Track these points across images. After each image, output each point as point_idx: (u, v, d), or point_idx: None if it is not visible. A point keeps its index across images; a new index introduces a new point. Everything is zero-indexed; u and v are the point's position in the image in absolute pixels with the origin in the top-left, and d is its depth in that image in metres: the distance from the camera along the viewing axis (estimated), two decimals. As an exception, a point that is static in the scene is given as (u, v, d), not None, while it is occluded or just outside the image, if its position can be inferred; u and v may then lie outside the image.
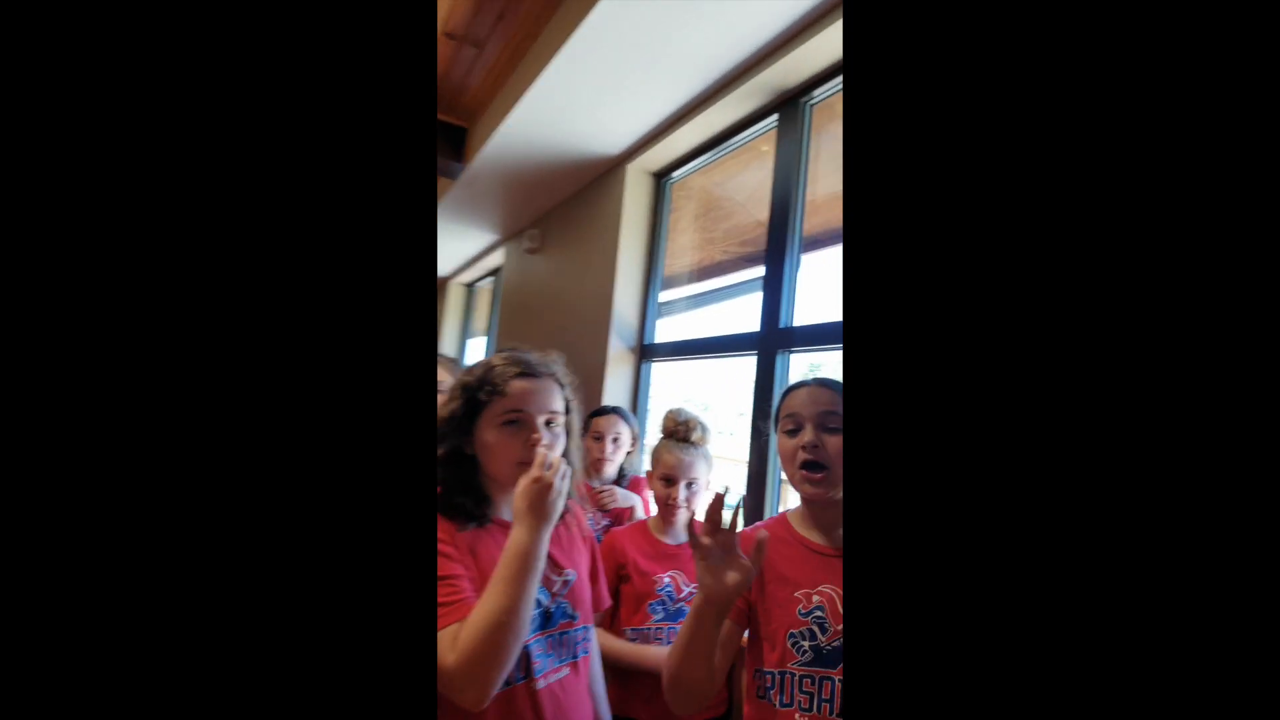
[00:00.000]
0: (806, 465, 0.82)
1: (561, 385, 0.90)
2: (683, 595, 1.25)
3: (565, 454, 0.90)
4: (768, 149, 2.14)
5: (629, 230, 2.30)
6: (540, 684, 0.80)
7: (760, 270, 2.17)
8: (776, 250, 1.74)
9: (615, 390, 2.22)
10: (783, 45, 1.60)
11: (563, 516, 0.90)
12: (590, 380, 2.25)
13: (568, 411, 0.91)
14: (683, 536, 1.30)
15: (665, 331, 2.30)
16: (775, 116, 1.84)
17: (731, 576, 0.73)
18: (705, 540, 0.75)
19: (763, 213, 2.11)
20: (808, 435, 0.82)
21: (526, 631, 0.71)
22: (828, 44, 1.53)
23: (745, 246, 2.21)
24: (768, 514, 1.61)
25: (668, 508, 1.28)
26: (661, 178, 2.35)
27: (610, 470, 1.61)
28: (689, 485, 1.28)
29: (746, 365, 1.98)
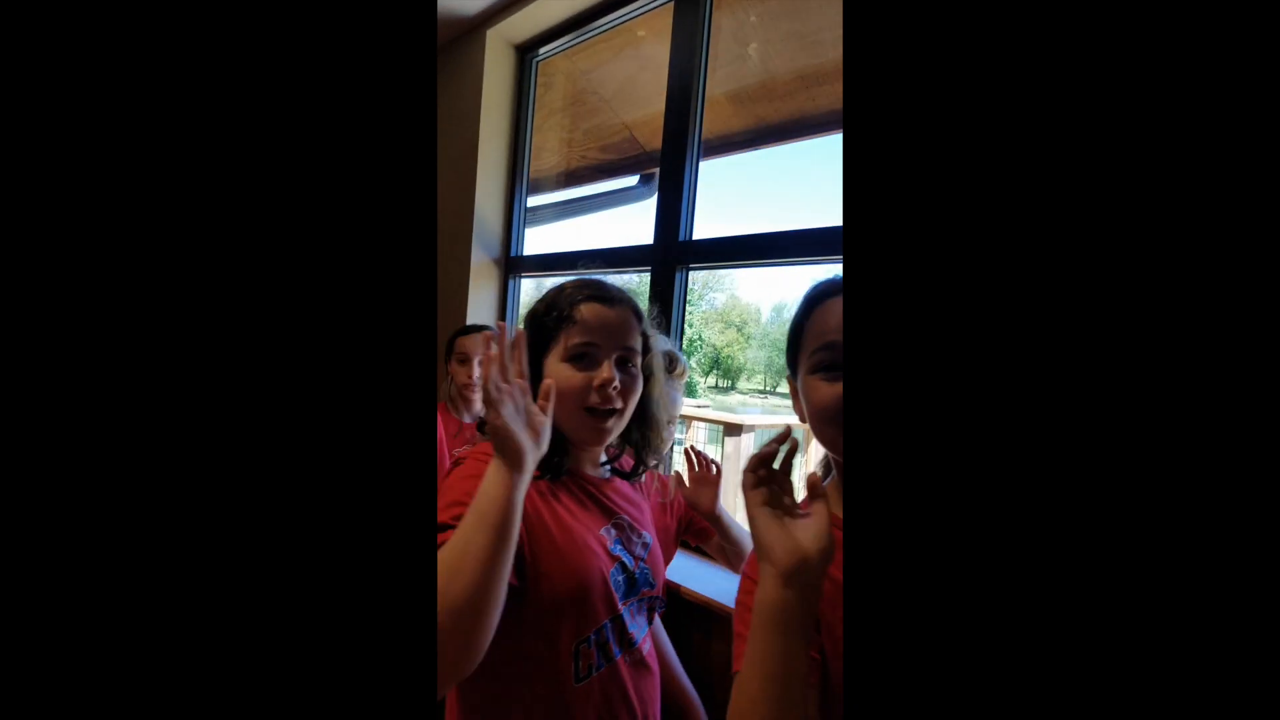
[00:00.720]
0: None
1: (639, 318, 0.74)
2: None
3: (645, 402, 0.76)
4: (645, 34, 1.88)
5: (490, 116, 1.91)
6: (637, 655, 0.70)
7: (624, 181, 1.95)
8: (675, 152, 1.54)
9: (479, 309, 1.92)
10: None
11: (637, 472, 0.81)
12: (449, 297, 1.92)
13: (646, 351, 0.74)
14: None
15: (532, 243, 2.02)
16: (673, -10, 1.57)
17: (811, 531, 0.45)
18: (760, 478, 0.48)
19: (630, 113, 1.86)
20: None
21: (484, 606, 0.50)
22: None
23: (606, 154, 1.96)
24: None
25: None
26: (526, 53, 1.96)
27: (480, 402, 1.37)
28: None
29: (627, 281, 1.82)
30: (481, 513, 0.51)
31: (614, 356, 0.69)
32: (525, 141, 1.97)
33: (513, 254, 1.97)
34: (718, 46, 1.53)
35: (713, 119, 1.58)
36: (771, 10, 1.48)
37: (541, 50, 1.93)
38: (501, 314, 1.97)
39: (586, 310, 0.69)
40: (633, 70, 1.98)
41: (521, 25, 1.84)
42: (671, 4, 1.59)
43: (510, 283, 1.97)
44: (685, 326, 1.56)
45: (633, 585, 0.72)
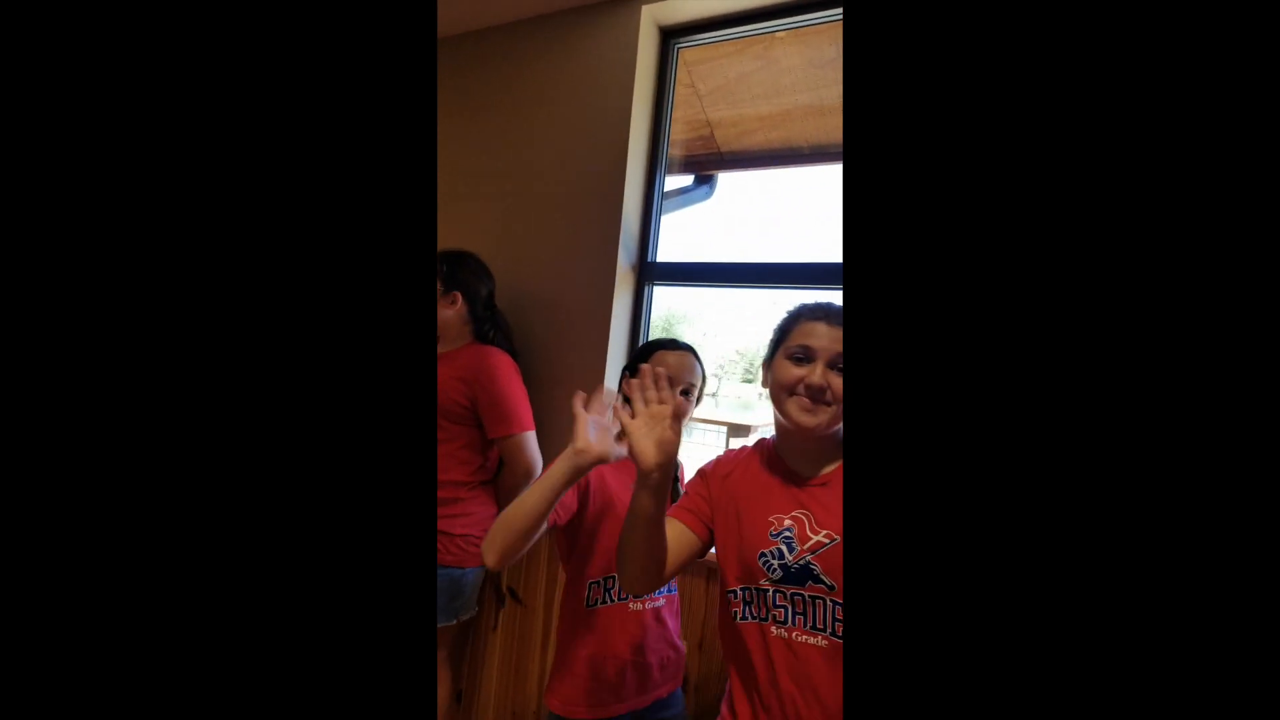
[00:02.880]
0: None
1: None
2: (807, 545, 0.86)
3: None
4: (783, 35, 1.84)
5: (641, 101, 1.68)
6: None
7: (680, 181, 1.89)
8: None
9: (618, 322, 1.67)
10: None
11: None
12: (596, 307, 1.64)
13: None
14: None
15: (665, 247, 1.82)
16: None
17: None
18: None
19: (718, 111, 1.79)
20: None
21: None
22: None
23: (673, 149, 1.88)
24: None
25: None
26: (670, 37, 1.77)
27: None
28: None
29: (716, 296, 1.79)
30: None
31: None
32: (663, 133, 1.77)
33: (650, 259, 1.75)
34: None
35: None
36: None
37: (682, 39, 1.76)
38: (636, 323, 1.73)
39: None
40: (751, 69, 1.89)
41: (675, 8, 1.66)
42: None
43: (645, 290, 1.75)
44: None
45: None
